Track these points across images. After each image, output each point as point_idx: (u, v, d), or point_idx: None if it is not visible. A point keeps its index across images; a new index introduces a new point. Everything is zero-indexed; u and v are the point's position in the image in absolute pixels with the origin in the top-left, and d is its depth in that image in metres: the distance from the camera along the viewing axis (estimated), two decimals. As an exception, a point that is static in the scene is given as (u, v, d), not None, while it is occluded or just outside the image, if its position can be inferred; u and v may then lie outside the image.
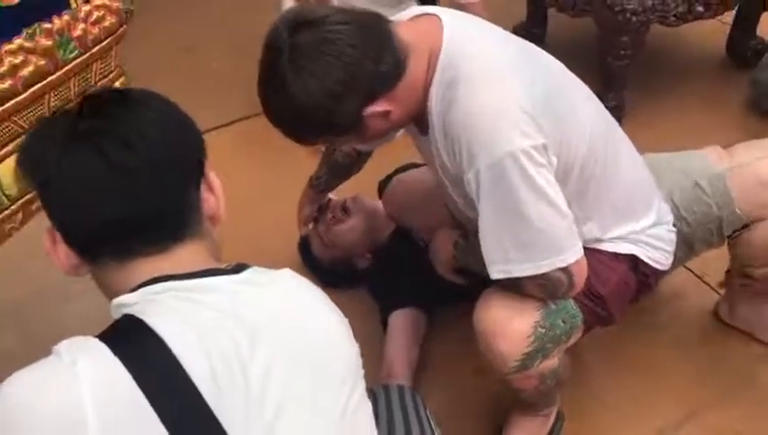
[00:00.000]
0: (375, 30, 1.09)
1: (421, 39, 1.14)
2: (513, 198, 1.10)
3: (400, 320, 1.65)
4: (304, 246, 1.89)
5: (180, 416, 0.70)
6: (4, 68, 1.09)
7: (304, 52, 1.05)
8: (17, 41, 1.10)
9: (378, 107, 1.11)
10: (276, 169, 2.17)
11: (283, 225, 1.84)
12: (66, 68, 1.20)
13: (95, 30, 1.25)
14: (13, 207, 1.12)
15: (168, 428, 0.69)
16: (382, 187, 1.80)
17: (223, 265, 0.83)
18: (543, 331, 1.22)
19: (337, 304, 0.89)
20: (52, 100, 1.18)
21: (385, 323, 1.67)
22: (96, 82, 1.29)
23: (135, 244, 0.80)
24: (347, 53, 1.05)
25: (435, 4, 2.32)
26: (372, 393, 1.18)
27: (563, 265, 1.14)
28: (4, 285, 1.82)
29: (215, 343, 0.74)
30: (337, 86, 1.06)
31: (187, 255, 0.82)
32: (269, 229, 1.93)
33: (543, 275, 1.15)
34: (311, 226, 1.77)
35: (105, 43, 1.27)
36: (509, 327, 1.21)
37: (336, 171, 1.64)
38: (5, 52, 1.09)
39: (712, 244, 1.46)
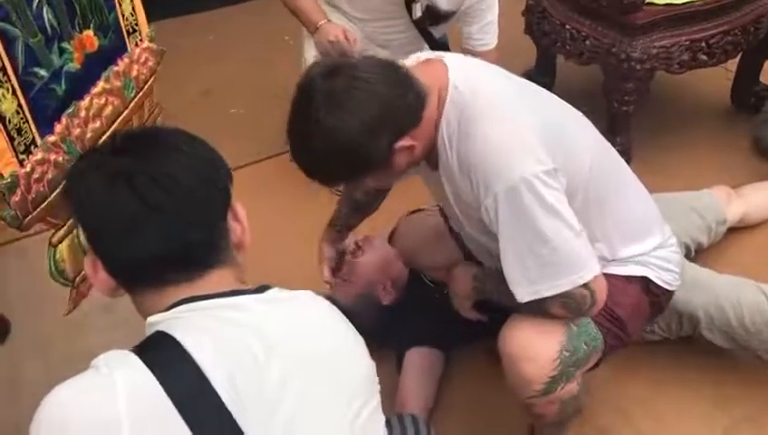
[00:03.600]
0: (399, 72, 1.18)
1: (430, 80, 1.22)
2: (529, 218, 1.16)
3: (415, 357, 1.68)
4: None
5: (203, 419, 0.76)
6: (94, 110, 1.16)
7: (339, 92, 1.12)
8: (100, 84, 1.18)
9: (405, 142, 1.18)
10: (289, 213, 2.22)
11: (303, 266, 1.86)
12: (130, 106, 1.28)
13: (144, 70, 1.33)
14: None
15: (192, 429, 0.75)
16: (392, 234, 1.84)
17: (247, 287, 0.90)
18: (568, 354, 1.26)
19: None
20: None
21: (400, 361, 1.69)
22: (147, 119, 1.36)
23: (169, 274, 0.87)
24: (380, 91, 1.13)
25: (447, 51, 2.40)
26: (388, 422, 1.21)
27: (583, 281, 1.19)
28: (29, 318, 1.87)
29: (235, 354, 0.80)
30: (373, 121, 1.12)
31: (215, 280, 0.88)
32: (287, 271, 1.97)
33: (567, 292, 1.20)
34: (333, 278, 1.69)
35: (150, 82, 1.36)
36: (536, 351, 1.25)
37: (357, 208, 1.67)
38: (94, 94, 1.16)
39: None
